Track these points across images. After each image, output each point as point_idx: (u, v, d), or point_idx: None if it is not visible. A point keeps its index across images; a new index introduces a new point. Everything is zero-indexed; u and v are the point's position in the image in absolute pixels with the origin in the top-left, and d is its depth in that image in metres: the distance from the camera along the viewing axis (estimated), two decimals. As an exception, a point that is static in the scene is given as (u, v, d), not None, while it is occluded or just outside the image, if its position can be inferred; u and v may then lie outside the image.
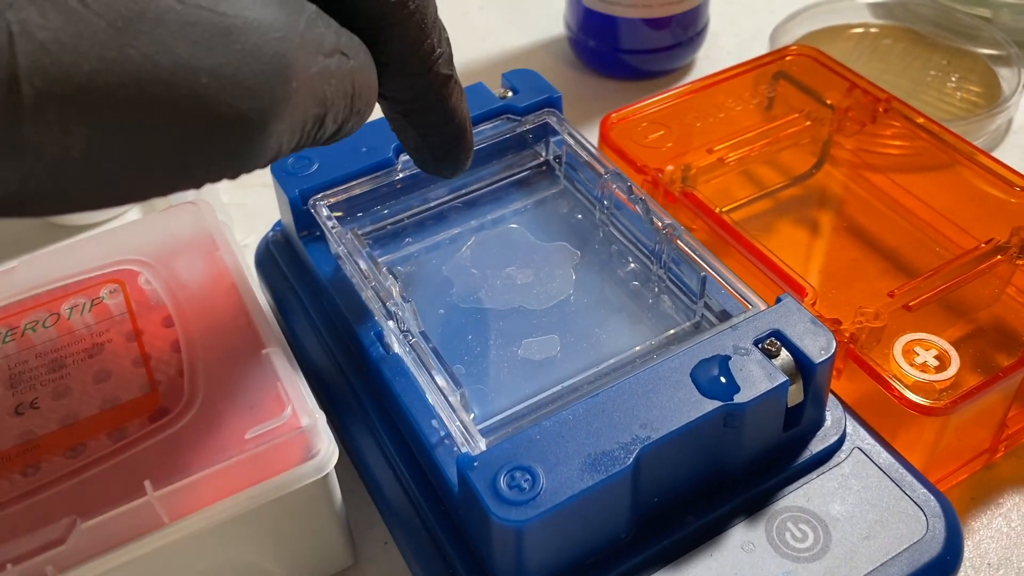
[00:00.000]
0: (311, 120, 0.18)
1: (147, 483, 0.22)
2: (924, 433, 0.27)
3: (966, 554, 0.27)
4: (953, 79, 0.43)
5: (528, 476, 0.22)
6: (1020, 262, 0.31)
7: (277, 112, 0.16)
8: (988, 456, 0.29)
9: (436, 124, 0.23)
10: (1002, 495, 0.29)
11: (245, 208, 0.40)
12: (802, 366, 0.24)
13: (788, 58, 0.39)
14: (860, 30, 0.46)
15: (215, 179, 0.17)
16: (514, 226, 0.31)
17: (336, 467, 0.24)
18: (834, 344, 0.24)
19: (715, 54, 0.47)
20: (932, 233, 0.34)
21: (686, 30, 0.44)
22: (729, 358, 0.24)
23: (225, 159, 0.16)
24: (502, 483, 0.22)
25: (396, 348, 0.27)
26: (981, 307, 0.31)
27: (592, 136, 0.35)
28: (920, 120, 0.36)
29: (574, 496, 0.21)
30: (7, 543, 0.22)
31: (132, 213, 0.40)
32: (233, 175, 0.17)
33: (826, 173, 0.37)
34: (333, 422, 0.28)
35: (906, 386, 0.27)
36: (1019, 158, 0.40)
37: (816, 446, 0.25)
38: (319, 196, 0.30)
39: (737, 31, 0.48)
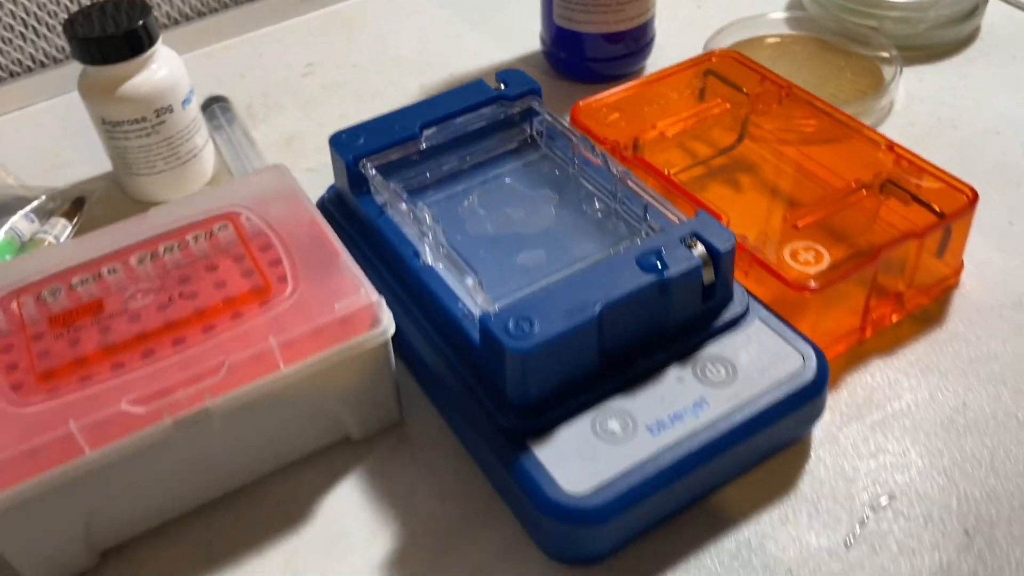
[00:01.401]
0: None
1: (271, 336, 0.33)
2: (807, 310, 0.38)
3: (841, 397, 0.38)
4: (848, 75, 0.55)
5: (528, 322, 0.32)
6: (882, 197, 0.42)
7: None
8: (859, 335, 0.40)
9: None
10: (869, 360, 0.40)
11: (295, 185, 0.50)
12: (712, 254, 0.35)
13: (714, 59, 0.50)
14: (776, 39, 0.58)
15: None
16: (508, 181, 0.42)
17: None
18: (734, 239, 0.35)
19: (661, 61, 0.58)
20: (824, 185, 0.45)
21: (637, 42, 0.56)
22: (662, 250, 0.35)
23: None
24: (510, 327, 0.32)
25: (429, 260, 0.38)
26: (858, 234, 0.42)
27: (565, 121, 0.46)
28: (817, 103, 0.47)
29: (559, 333, 0.32)
30: (175, 378, 0.32)
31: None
32: None
33: (746, 147, 0.49)
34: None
35: (790, 275, 0.38)
36: (898, 133, 0.51)
37: (727, 315, 0.36)
38: (366, 159, 0.41)
39: (678, 43, 0.60)
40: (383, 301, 0.35)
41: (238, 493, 0.36)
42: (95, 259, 0.37)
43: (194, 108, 0.49)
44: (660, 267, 0.34)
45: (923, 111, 0.53)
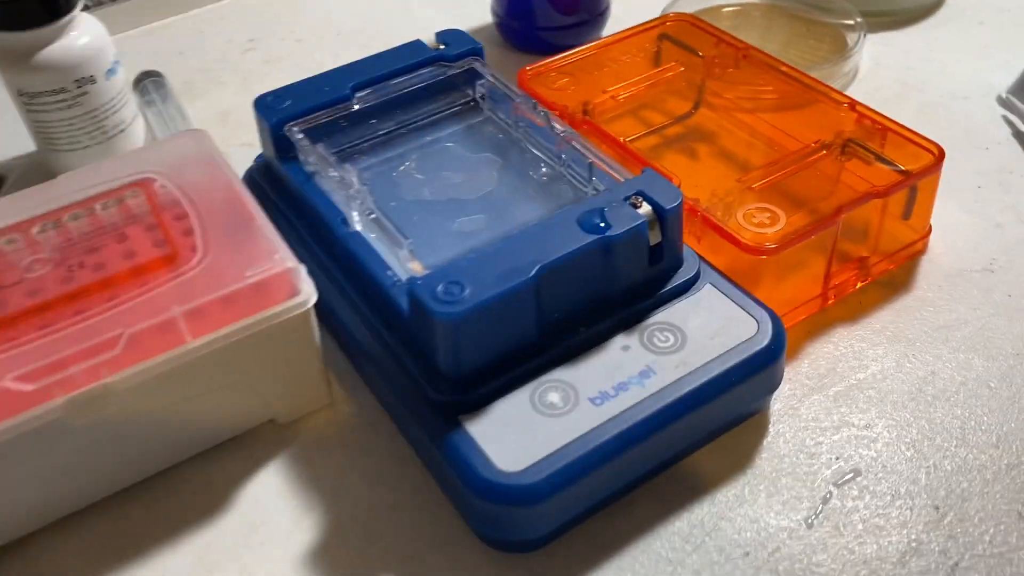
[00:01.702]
0: None
1: (174, 306, 0.30)
2: (763, 274, 0.35)
3: (802, 368, 0.36)
4: (811, 42, 0.53)
5: (459, 286, 0.30)
6: (843, 159, 0.40)
7: None
8: (820, 302, 0.38)
9: None
10: (831, 329, 0.37)
11: (230, 157, 0.47)
12: (658, 213, 0.32)
13: (669, 23, 0.48)
14: (735, 8, 0.56)
15: None
16: (449, 145, 0.40)
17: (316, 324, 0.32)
18: (680, 196, 0.32)
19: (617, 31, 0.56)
20: (783, 150, 0.43)
21: (591, 11, 0.54)
22: (604, 209, 0.32)
23: None
24: (439, 291, 0.30)
25: (357, 225, 0.35)
26: (820, 199, 0.40)
27: (512, 86, 0.43)
28: (782, 68, 0.45)
29: (492, 297, 0.29)
30: (69, 351, 0.29)
31: (133, 169, 0.47)
32: None
33: (703, 114, 0.46)
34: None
35: (744, 237, 0.35)
36: (863, 97, 0.49)
37: (676, 280, 0.34)
38: (292, 123, 0.38)
39: (635, 12, 0.57)
40: (302, 269, 0.32)
41: (149, 483, 0.33)
42: (-7, 230, 0.34)
43: (120, 80, 0.46)
44: (602, 226, 0.31)
45: (888, 76, 0.51)
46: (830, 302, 0.38)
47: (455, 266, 0.30)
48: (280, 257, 0.31)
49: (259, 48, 0.57)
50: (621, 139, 0.41)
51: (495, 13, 0.55)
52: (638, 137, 0.45)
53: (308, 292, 0.32)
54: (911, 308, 0.38)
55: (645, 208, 0.32)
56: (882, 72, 0.51)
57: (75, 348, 0.29)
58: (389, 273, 0.33)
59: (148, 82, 0.51)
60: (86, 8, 0.47)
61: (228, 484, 0.33)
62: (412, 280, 0.30)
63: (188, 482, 0.33)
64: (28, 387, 0.28)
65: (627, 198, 0.33)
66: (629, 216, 0.32)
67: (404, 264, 0.32)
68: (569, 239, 0.31)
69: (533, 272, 0.30)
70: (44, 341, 0.29)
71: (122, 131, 0.47)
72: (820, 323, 0.38)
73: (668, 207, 0.32)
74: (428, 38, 0.57)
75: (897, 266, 0.40)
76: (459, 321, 0.29)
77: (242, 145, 0.49)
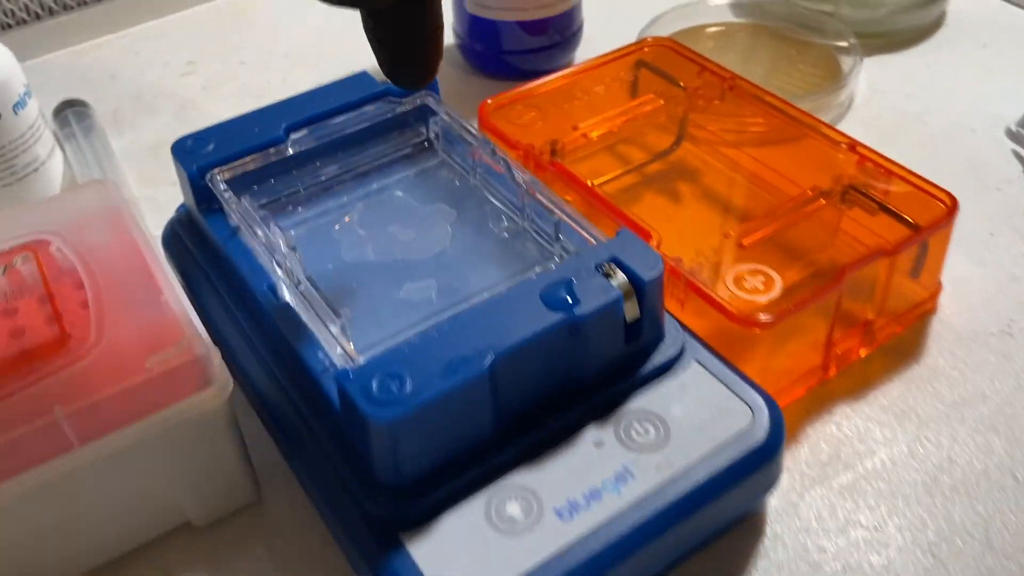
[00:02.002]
0: None
1: (56, 406, 0.25)
2: (755, 348, 0.31)
3: (802, 455, 0.31)
4: (801, 66, 0.48)
5: (397, 381, 0.25)
6: (844, 207, 0.36)
7: None
8: (821, 374, 0.33)
9: (419, 13, 0.25)
10: (834, 406, 0.33)
11: (156, 202, 0.42)
12: (635, 284, 0.27)
13: (647, 49, 0.43)
14: (719, 28, 0.51)
15: None
16: (398, 193, 0.35)
17: (239, 411, 0.27)
18: (661, 264, 0.28)
19: (590, 54, 0.51)
20: (775, 193, 0.38)
21: (561, 32, 0.49)
22: (572, 280, 0.27)
23: None
24: (374, 387, 0.25)
25: (287, 296, 0.30)
26: (817, 250, 0.36)
27: (474, 122, 0.38)
28: (768, 98, 0.40)
29: (437, 395, 0.25)
30: (-72, 467, 0.24)
31: (47, 212, 0.42)
32: None
33: (685, 150, 0.42)
34: (235, 375, 0.31)
35: (735, 307, 0.30)
36: (858, 129, 0.45)
37: (658, 358, 0.29)
38: (216, 170, 0.33)
39: (610, 33, 0.53)
40: (216, 354, 0.27)
41: (40, 602, 0.28)
42: None
43: (31, 113, 0.41)
44: (569, 302, 0.27)
45: (887, 105, 0.47)
46: (831, 373, 0.34)
47: (394, 354, 0.26)
48: (188, 341, 0.26)
49: (199, 71, 0.52)
50: (591, 183, 0.36)
51: (456, 33, 0.51)
52: (613, 177, 0.40)
53: (222, 382, 0.27)
54: (922, 379, 0.33)
55: (620, 278, 0.28)
56: (879, 100, 0.47)
57: (-68, 461, 0.24)
58: (320, 355, 0.28)
59: (70, 112, 0.46)
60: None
61: (133, 603, 0.28)
62: (341, 373, 0.25)
63: (85, 602, 0.28)
64: None
65: (598, 266, 0.28)
66: (601, 289, 0.27)
67: (337, 345, 0.27)
68: (530, 318, 0.26)
69: (488, 362, 0.25)
70: None
71: (35, 170, 0.42)
72: (820, 398, 0.33)
73: (647, 278, 0.27)
74: (385, 60, 0.53)
75: (905, 328, 0.35)
76: (397, 423, 0.24)
77: (173, 185, 0.44)
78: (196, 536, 0.30)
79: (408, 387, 0.25)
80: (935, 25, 0.52)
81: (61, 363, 0.27)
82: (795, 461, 0.31)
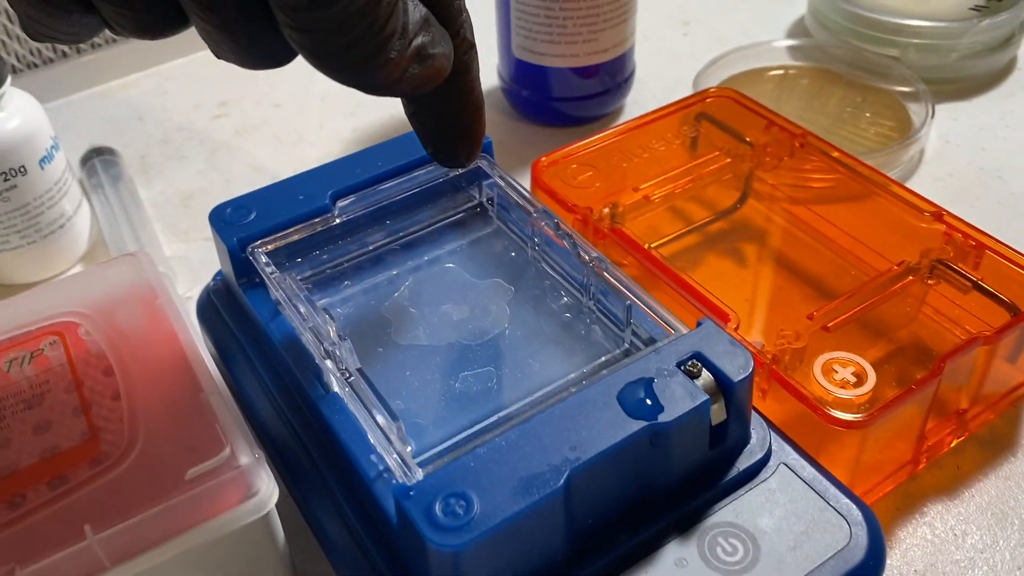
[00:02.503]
0: None
1: (87, 528, 0.22)
2: (846, 446, 0.28)
3: (893, 562, 0.28)
4: (867, 115, 0.46)
5: (463, 502, 0.22)
6: (931, 282, 0.33)
7: None
8: (911, 468, 0.31)
9: (459, 93, 0.24)
10: (925, 504, 0.30)
11: (188, 261, 0.40)
12: (723, 385, 0.25)
13: (709, 100, 0.41)
14: (779, 72, 0.49)
15: None
16: (450, 266, 0.32)
17: (280, 509, 0.25)
18: (752, 363, 0.25)
19: (643, 99, 0.49)
20: (851, 259, 0.36)
21: (613, 77, 0.46)
22: (653, 380, 0.25)
23: None
24: (437, 510, 0.22)
25: (335, 387, 0.27)
26: (899, 327, 0.33)
27: (525, 180, 0.36)
28: (836, 154, 0.38)
29: (508, 519, 0.22)
30: (-55, 595, 0.22)
31: (75, 268, 0.40)
32: None
33: (750, 207, 0.39)
34: (276, 467, 0.28)
35: (826, 403, 0.28)
36: (932, 187, 0.42)
37: (743, 463, 0.26)
38: (257, 243, 0.30)
39: (663, 77, 0.50)
40: (261, 461, 0.24)
41: None
42: None
43: (59, 166, 0.39)
44: (651, 406, 0.24)
45: (961, 160, 0.44)
46: (921, 467, 0.31)
47: (458, 468, 0.23)
48: (231, 451, 0.24)
49: (231, 113, 0.50)
50: (648, 246, 0.34)
51: (501, 78, 0.48)
52: (673, 237, 0.38)
53: (266, 493, 0.24)
54: (1019, 475, 0.31)
55: (706, 378, 0.25)
56: (952, 153, 0.44)
57: (-51, 590, 0.22)
58: (374, 459, 0.26)
59: (97, 160, 0.44)
60: (19, 71, 0.40)
61: None
62: (400, 490, 0.23)
63: None
64: None
65: (681, 363, 0.25)
66: (686, 392, 0.24)
67: (391, 446, 0.25)
68: (608, 426, 0.24)
69: (563, 478, 0.23)
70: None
71: (61, 227, 0.39)
72: (910, 495, 0.30)
73: (736, 379, 0.25)
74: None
75: (997, 415, 0.32)
76: (464, 552, 0.22)
77: (206, 241, 0.42)
78: (234, 649, 0.27)
79: (475, 510, 0.22)
80: (1006, 70, 0.50)
81: (91, 472, 0.24)
82: (888, 571, 0.28)
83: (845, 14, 0.50)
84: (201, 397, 0.26)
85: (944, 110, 0.47)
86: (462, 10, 0.23)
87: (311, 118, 0.49)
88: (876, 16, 0.48)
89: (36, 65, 0.52)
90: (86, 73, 0.52)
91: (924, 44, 0.48)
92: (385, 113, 0.49)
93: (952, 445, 0.31)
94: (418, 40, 0.21)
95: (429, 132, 0.26)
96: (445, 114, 0.25)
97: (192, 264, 0.40)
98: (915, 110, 0.45)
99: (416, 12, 0.21)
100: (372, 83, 0.21)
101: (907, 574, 0.28)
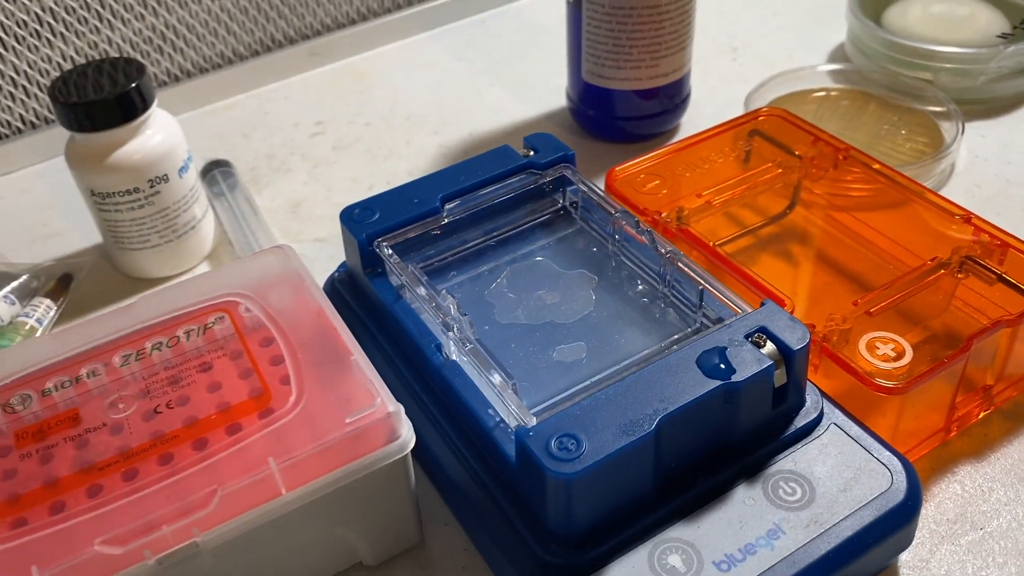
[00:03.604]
0: None
1: (270, 459, 0.28)
2: (886, 413, 0.33)
3: (928, 512, 0.33)
4: (903, 132, 0.50)
5: (573, 440, 0.27)
6: (960, 276, 0.38)
7: None
8: (943, 435, 0.35)
9: None
10: (956, 465, 0.35)
11: (304, 258, 0.46)
12: (784, 353, 0.30)
13: (761, 118, 0.46)
14: (822, 94, 0.54)
15: None
16: (540, 259, 0.38)
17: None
18: (808, 336, 0.30)
19: (697, 119, 0.54)
20: (889, 259, 0.41)
21: (672, 99, 0.52)
22: (726, 349, 0.30)
23: None
24: (553, 446, 0.27)
25: (454, 355, 0.33)
26: (933, 316, 0.38)
27: (599, 187, 0.41)
28: (876, 166, 0.43)
29: (611, 455, 0.27)
30: (160, 510, 0.27)
31: (202, 266, 0.46)
32: None
33: (798, 213, 0.44)
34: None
35: (870, 373, 0.33)
36: (962, 196, 0.47)
37: (800, 421, 0.31)
38: (381, 238, 0.36)
39: (715, 99, 0.55)
40: (402, 411, 0.30)
41: (233, 632, 0.31)
42: (74, 357, 0.33)
43: (192, 176, 0.45)
44: (725, 369, 0.29)
45: (988, 172, 0.49)
46: (952, 434, 0.35)
47: (569, 416, 0.28)
48: (381, 401, 0.29)
49: (327, 131, 0.56)
50: (712, 243, 0.39)
51: (569, 99, 0.54)
52: (731, 239, 0.43)
53: (407, 436, 0.30)
54: (1041, 442, 0.35)
55: (769, 347, 0.30)
56: (980, 167, 0.49)
57: (166, 508, 0.27)
58: (490, 412, 0.31)
59: (217, 172, 0.50)
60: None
61: (316, 637, 0.31)
62: (522, 431, 0.28)
63: (273, 634, 0.31)
64: (117, 551, 0.26)
65: (749, 335, 0.30)
66: (754, 358, 0.29)
67: (506, 402, 0.30)
68: (690, 385, 0.29)
69: (654, 424, 0.28)
70: (133, 498, 0.27)
71: (192, 228, 0.45)
72: (943, 458, 0.35)
73: (796, 348, 0.30)
74: (499, 121, 0.56)
75: (1020, 392, 0.37)
76: (575, 480, 0.27)
77: (316, 241, 0.47)
78: (369, 574, 0.32)
79: (584, 447, 0.27)
80: (1031, 92, 0.54)
81: (262, 422, 0.30)
82: (923, 519, 0.33)
83: (882, 41, 0.55)
84: (351, 359, 0.31)
85: (973, 128, 0.52)
86: None
87: (399, 136, 0.55)
88: (911, 43, 0.53)
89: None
90: (195, 95, 0.58)
91: (955, 68, 0.53)
92: (465, 130, 0.55)
93: (980, 417, 0.36)
94: None
95: None
96: None
97: (307, 260, 0.45)
98: (947, 128, 0.50)
99: None
100: None
101: (941, 522, 0.33)
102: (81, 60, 0.55)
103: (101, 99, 0.41)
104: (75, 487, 0.28)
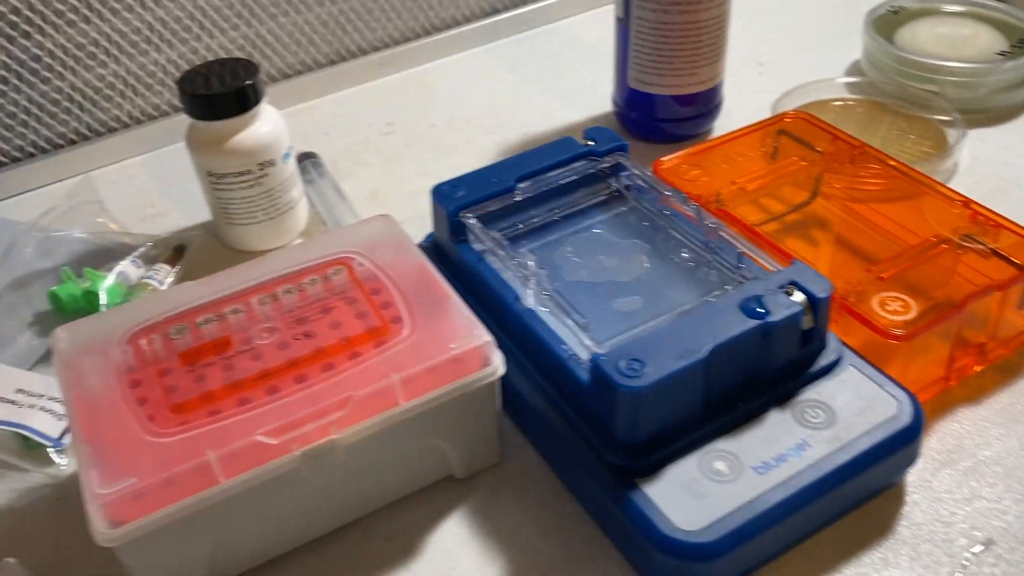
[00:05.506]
0: None
1: (392, 372, 0.34)
2: (896, 355, 0.39)
3: (931, 443, 0.39)
4: (912, 137, 0.57)
5: (638, 363, 0.34)
6: (959, 252, 0.44)
7: None
8: (943, 383, 0.41)
9: None
10: (955, 409, 0.41)
11: (385, 235, 0.52)
12: (811, 301, 0.36)
13: (787, 120, 0.53)
14: (840, 103, 0.60)
15: None
16: (598, 231, 0.44)
17: (499, 379, 0.36)
18: (831, 287, 0.36)
19: (729, 123, 0.61)
20: (899, 242, 0.47)
21: (707, 104, 0.58)
22: (763, 296, 0.36)
23: None
24: (623, 366, 0.34)
25: (532, 303, 0.39)
26: (937, 287, 0.44)
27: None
28: (891, 162, 0.49)
29: (670, 374, 0.33)
30: (302, 412, 0.33)
31: (296, 241, 0.53)
32: None
33: (819, 203, 0.51)
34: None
35: (881, 323, 0.39)
36: (964, 191, 0.53)
37: (822, 361, 0.38)
38: (466, 211, 0.43)
39: (744, 106, 0.62)
40: (494, 342, 0.36)
41: (347, 528, 0.37)
42: (217, 300, 0.39)
43: (292, 162, 0.52)
44: (763, 312, 0.35)
45: (987, 171, 0.55)
46: (952, 384, 0.42)
47: (634, 344, 0.35)
48: (478, 332, 0.36)
49: (397, 131, 0.63)
50: (757, 228, 0.45)
51: (615, 103, 0.61)
52: (760, 223, 0.49)
53: (498, 363, 0.36)
54: (1028, 391, 0.41)
55: (799, 296, 0.36)
56: (980, 167, 0.55)
57: (308, 409, 0.34)
58: (564, 347, 0.37)
59: (308, 162, 0.57)
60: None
61: (417, 532, 0.37)
62: (596, 356, 0.34)
63: (382, 529, 0.37)
64: (273, 441, 0.33)
65: (781, 287, 0.37)
66: (786, 304, 0.36)
67: (580, 340, 0.36)
68: (734, 323, 0.35)
69: (705, 352, 0.34)
70: (279, 403, 0.34)
71: (291, 208, 0.52)
72: (944, 403, 0.41)
73: (821, 296, 0.36)
74: (550, 124, 0.63)
75: (1012, 352, 0.43)
76: (641, 394, 0.33)
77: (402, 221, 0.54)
78: (458, 486, 0.39)
79: (648, 368, 0.34)
80: (1028, 103, 0.61)
81: (379, 350, 0.36)
82: (926, 449, 0.39)
83: (894, 57, 0.61)
84: (450, 301, 0.37)
85: (975, 134, 0.58)
86: None
87: (461, 136, 0.62)
88: (919, 59, 0.60)
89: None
90: (277, 99, 0.66)
91: (959, 81, 0.59)
92: (520, 131, 0.62)
93: (976, 370, 0.42)
94: None
95: None
96: None
97: (389, 237, 0.52)
98: (951, 134, 0.56)
99: None
100: None
101: (942, 451, 0.39)
102: (185, 65, 0.62)
103: (222, 92, 0.48)
104: (227, 397, 0.35)
